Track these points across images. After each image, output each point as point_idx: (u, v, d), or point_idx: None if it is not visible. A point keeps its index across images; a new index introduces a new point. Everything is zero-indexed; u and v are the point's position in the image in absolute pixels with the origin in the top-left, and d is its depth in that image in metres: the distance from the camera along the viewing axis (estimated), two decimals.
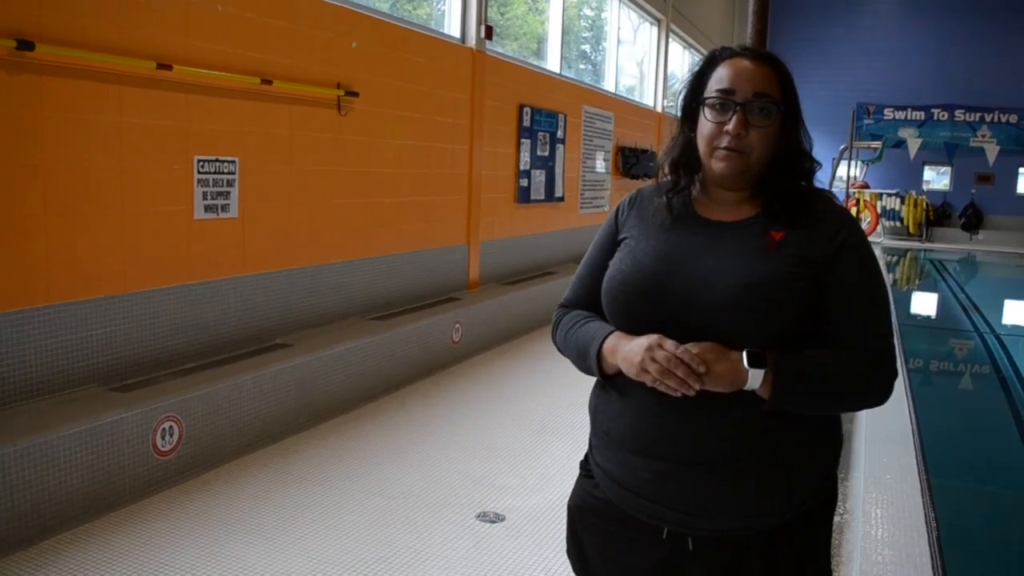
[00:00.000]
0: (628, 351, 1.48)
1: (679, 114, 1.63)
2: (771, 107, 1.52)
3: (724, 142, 1.51)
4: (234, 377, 4.28)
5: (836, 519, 3.62)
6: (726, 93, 1.52)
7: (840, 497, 3.85)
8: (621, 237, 1.66)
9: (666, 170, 1.65)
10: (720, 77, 1.54)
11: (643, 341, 1.45)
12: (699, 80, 1.59)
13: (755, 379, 1.42)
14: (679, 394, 1.42)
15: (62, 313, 3.79)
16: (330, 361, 4.95)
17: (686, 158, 1.61)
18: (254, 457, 4.26)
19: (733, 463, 1.48)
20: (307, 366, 4.77)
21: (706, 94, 1.55)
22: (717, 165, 1.53)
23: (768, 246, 1.51)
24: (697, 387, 1.41)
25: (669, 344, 1.43)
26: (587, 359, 1.60)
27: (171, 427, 3.84)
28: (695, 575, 1.53)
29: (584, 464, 1.72)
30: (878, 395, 1.53)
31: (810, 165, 1.61)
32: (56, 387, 3.78)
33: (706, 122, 1.54)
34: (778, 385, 1.42)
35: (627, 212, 1.69)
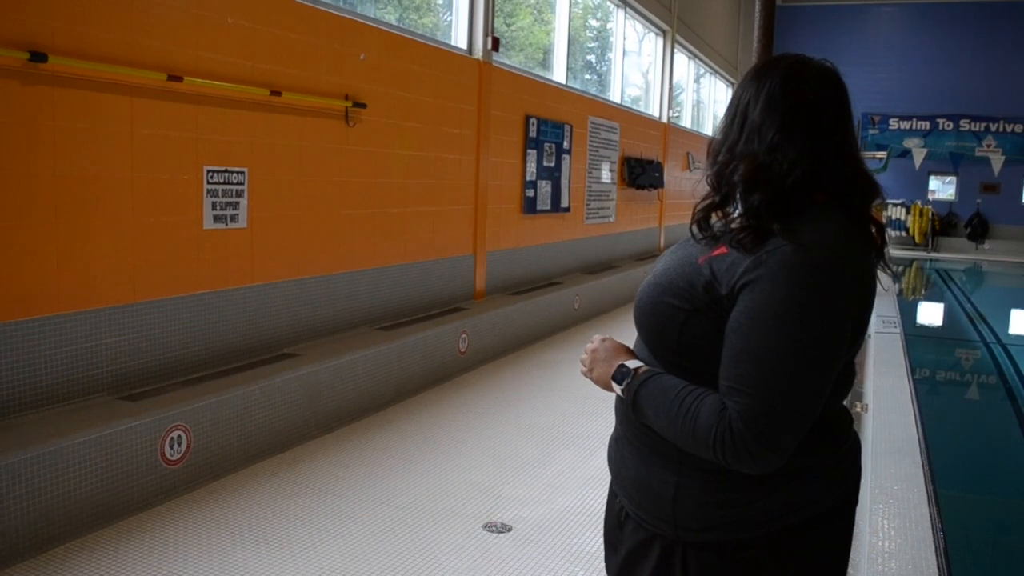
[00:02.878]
0: None
1: None
2: (730, 110, 1.58)
3: None
4: (242, 386, 4.30)
5: None
6: None
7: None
8: None
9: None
10: None
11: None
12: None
13: (617, 390, 1.53)
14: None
15: (72, 322, 3.82)
16: (337, 371, 4.97)
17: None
18: (262, 466, 4.27)
19: (638, 448, 1.56)
20: (315, 376, 4.78)
21: None
22: None
23: (700, 259, 1.45)
24: (584, 375, 1.61)
25: (599, 339, 1.60)
26: None
27: (179, 436, 3.86)
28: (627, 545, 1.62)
29: None
30: (721, 454, 1.33)
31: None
32: (65, 396, 3.81)
33: None
34: (629, 402, 1.49)
35: None
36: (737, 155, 1.48)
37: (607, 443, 1.73)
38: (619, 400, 1.56)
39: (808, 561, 1.49)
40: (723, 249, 1.43)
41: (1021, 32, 21.21)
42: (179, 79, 4.19)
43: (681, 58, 15.73)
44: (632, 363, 1.50)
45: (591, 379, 1.60)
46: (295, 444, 4.58)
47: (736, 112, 1.51)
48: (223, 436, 4.13)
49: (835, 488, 1.51)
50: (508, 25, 9.48)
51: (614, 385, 1.52)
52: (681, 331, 1.43)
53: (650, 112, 13.80)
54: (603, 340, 1.60)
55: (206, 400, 4.05)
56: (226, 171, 4.56)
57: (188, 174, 4.35)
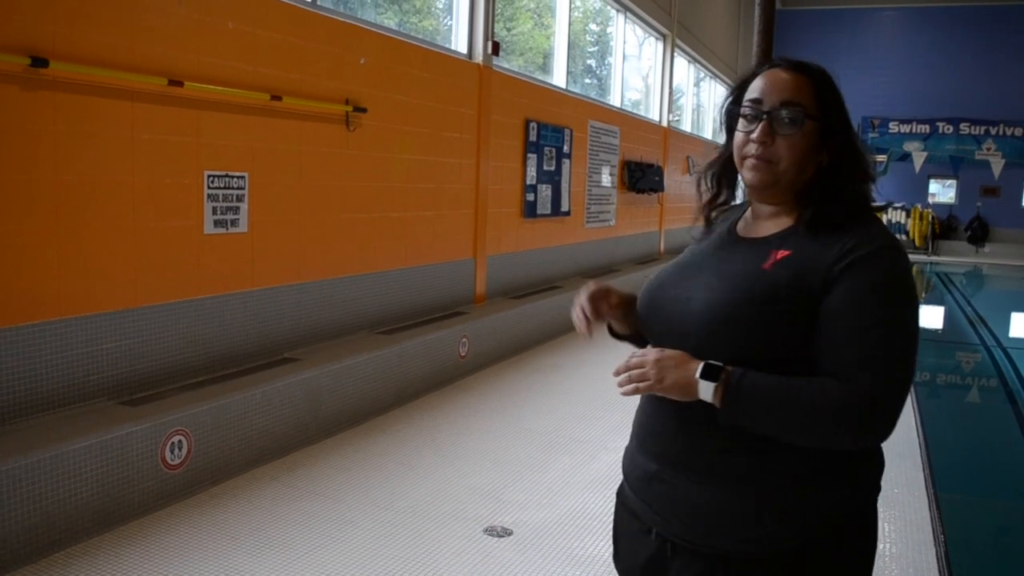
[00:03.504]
0: None
1: (723, 128, 1.66)
2: (799, 116, 1.49)
3: (751, 150, 1.51)
4: (243, 391, 4.30)
5: None
6: (755, 103, 1.52)
7: None
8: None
9: (709, 183, 1.68)
10: (753, 87, 1.54)
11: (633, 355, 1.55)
12: (740, 93, 1.59)
13: (706, 391, 1.40)
14: (630, 392, 1.51)
15: (72, 327, 3.82)
16: (338, 375, 4.97)
17: (726, 170, 1.65)
18: (262, 471, 4.27)
19: (704, 475, 1.47)
20: (315, 380, 4.79)
21: (741, 105, 1.57)
22: (746, 175, 1.55)
23: (764, 265, 1.48)
24: (642, 390, 1.48)
25: (641, 351, 1.52)
26: None
27: (180, 441, 3.86)
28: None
29: (622, 483, 1.77)
30: (850, 434, 1.37)
31: (860, 180, 1.54)
32: (66, 401, 3.81)
33: (737, 132, 1.56)
34: (727, 398, 1.39)
35: (698, 230, 1.76)
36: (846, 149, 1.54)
37: (619, 462, 1.72)
38: (679, 420, 1.49)
39: (866, 548, 1.52)
40: (786, 252, 1.48)
41: (1021, 36, 21.24)
42: (180, 84, 4.19)
43: (681, 62, 15.75)
44: (715, 361, 1.43)
45: (657, 390, 1.45)
46: (296, 448, 4.58)
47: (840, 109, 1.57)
48: (224, 441, 4.13)
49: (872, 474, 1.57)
50: (508, 29, 9.49)
51: (702, 385, 1.40)
52: (786, 331, 1.42)
53: (650, 116, 13.82)
54: (659, 351, 1.47)
55: (207, 405, 4.05)
56: (227, 176, 4.57)
57: (189, 179, 4.36)
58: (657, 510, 1.54)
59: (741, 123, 1.54)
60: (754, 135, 1.51)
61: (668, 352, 1.47)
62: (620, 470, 1.71)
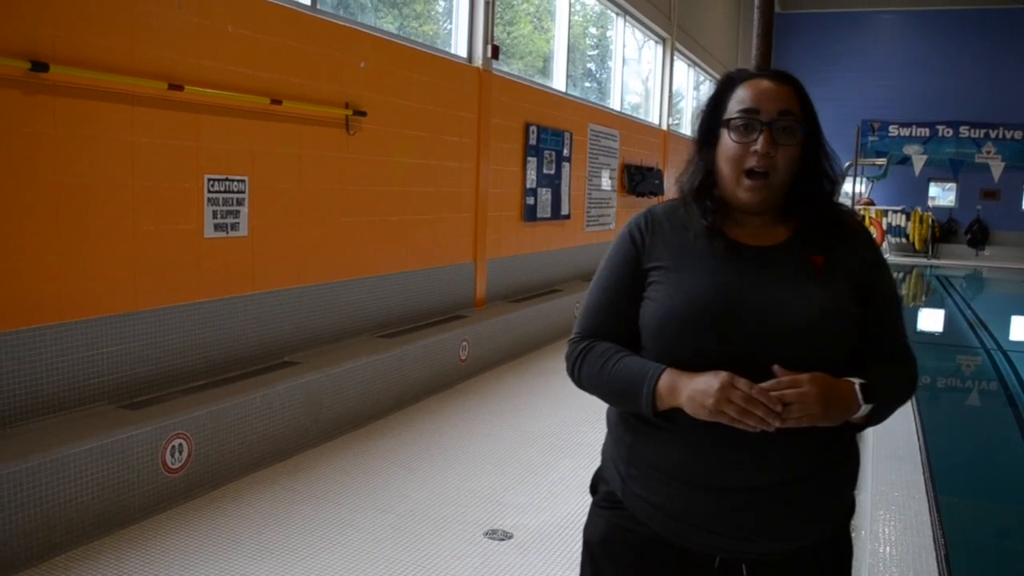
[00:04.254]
0: (695, 391, 1.43)
1: (696, 139, 1.62)
2: (795, 125, 1.51)
3: (752, 162, 1.50)
4: (243, 394, 4.30)
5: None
6: (751, 112, 1.51)
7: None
8: (651, 266, 1.58)
9: (687, 197, 1.61)
10: (742, 98, 1.52)
11: (713, 381, 1.41)
12: (718, 103, 1.57)
13: (863, 411, 1.47)
14: (758, 430, 1.40)
15: (73, 331, 3.82)
16: (338, 378, 4.98)
17: (707, 183, 1.58)
18: (263, 474, 4.27)
19: (792, 484, 1.48)
20: (315, 383, 4.79)
21: (728, 115, 1.54)
22: (744, 194, 1.52)
23: (816, 272, 1.52)
24: (777, 424, 1.39)
25: (742, 383, 1.40)
26: (636, 397, 1.51)
27: (180, 444, 3.86)
28: None
29: (609, 496, 1.64)
30: (915, 392, 1.64)
31: (832, 183, 1.60)
32: (66, 404, 3.81)
33: (731, 144, 1.52)
34: (876, 409, 1.48)
35: (648, 238, 1.60)
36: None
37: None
38: (767, 442, 1.44)
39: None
40: (820, 258, 1.54)
41: (1021, 39, 21.26)
42: (180, 88, 4.20)
43: (681, 66, 15.77)
44: (853, 378, 1.48)
45: (818, 422, 1.41)
46: (296, 452, 4.58)
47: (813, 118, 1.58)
48: (224, 444, 4.13)
49: None
50: (508, 33, 9.51)
51: (863, 408, 1.46)
52: (856, 329, 1.53)
53: (650, 119, 13.83)
54: (807, 380, 1.41)
55: (207, 408, 4.06)
56: (227, 179, 4.58)
57: (189, 182, 4.36)
58: (734, 534, 1.48)
59: (735, 135, 1.51)
60: (757, 146, 1.49)
61: (811, 379, 1.41)
62: None
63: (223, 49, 4.51)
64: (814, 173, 1.56)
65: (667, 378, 1.48)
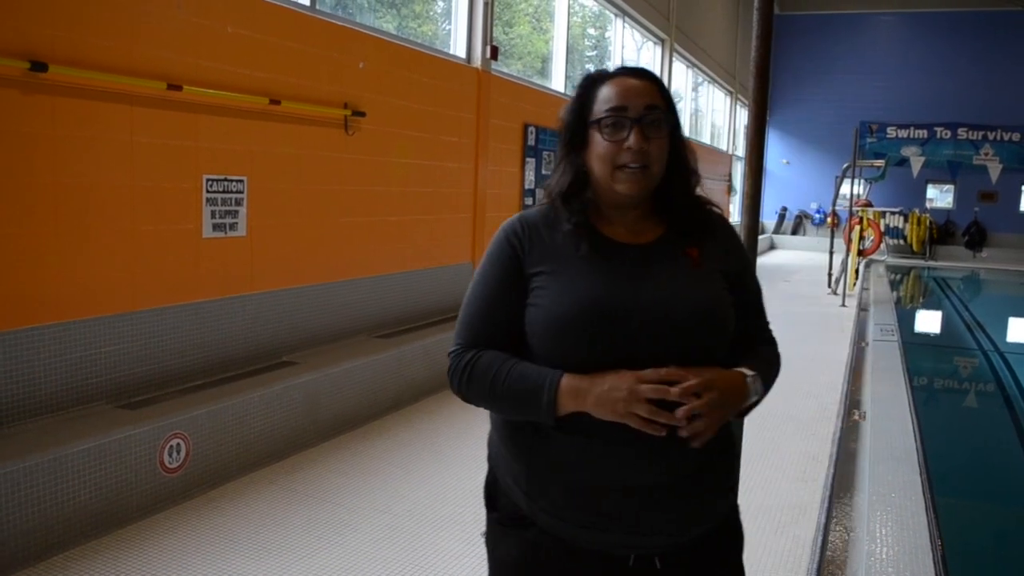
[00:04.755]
0: (602, 394, 1.43)
1: (564, 141, 1.61)
2: (662, 119, 1.55)
3: (626, 159, 1.51)
4: (241, 394, 4.30)
5: (845, 537, 3.63)
6: (619, 110, 1.52)
7: (845, 515, 3.86)
8: (533, 271, 1.55)
9: (557, 200, 1.60)
10: (608, 97, 1.54)
11: (620, 383, 1.42)
12: (582, 105, 1.58)
13: (755, 397, 1.54)
14: (663, 433, 1.41)
15: (71, 331, 3.83)
16: (336, 379, 4.98)
17: (578, 184, 1.59)
18: (260, 474, 4.27)
19: (691, 475, 1.51)
20: (314, 383, 4.79)
21: (595, 116, 1.55)
22: (622, 185, 1.53)
23: (693, 265, 1.57)
24: (683, 424, 1.41)
25: (646, 389, 1.41)
26: (534, 405, 1.48)
27: (178, 444, 3.86)
28: None
29: (514, 512, 1.59)
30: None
31: (696, 177, 1.64)
32: (65, 404, 3.81)
33: (604, 142, 1.53)
34: (761, 392, 1.57)
35: (527, 244, 1.58)
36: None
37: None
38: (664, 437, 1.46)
39: None
40: (695, 250, 1.59)
41: (1019, 41, 21.29)
42: (178, 88, 4.20)
43: (679, 67, 15.78)
44: (741, 369, 1.55)
45: (717, 420, 1.46)
46: (294, 452, 4.58)
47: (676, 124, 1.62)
48: (222, 444, 4.13)
49: None
50: (506, 33, 9.51)
51: (752, 399, 1.55)
52: (734, 320, 1.59)
53: None
54: (699, 379, 1.43)
55: (205, 408, 4.06)
56: (225, 179, 4.58)
57: (187, 183, 4.37)
58: (645, 531, 1.51)
59: (606, 133, 1.53)
60: (630, 142, 1.51)
61: (708, 376, 1.44)
62: None
63: (222, 49, 4.52)
64: (680, 167, 1.60)
65: (568, 382, 1.46)
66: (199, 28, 4.37)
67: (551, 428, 1.49)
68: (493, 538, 1.64)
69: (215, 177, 4.51)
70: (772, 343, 1.71)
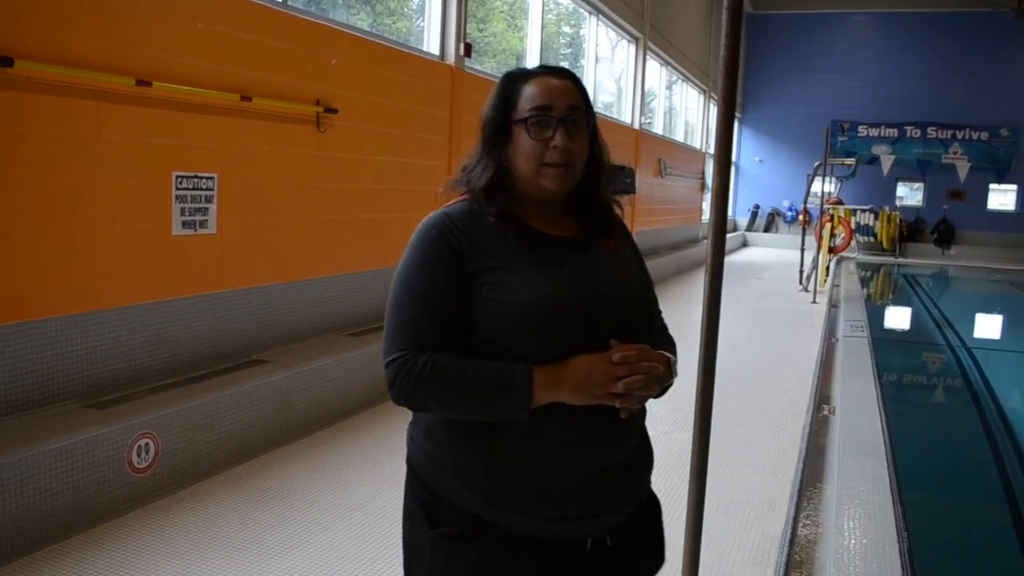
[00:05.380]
0: (581, 380, 1.46)
1: (485, 138, 1.63)
2: (583, 118, 1.60)
3: (553, 157, 1.55)
4: (211, 393, 4.27)
5: (813, 530, 3.67)
6: (544, 110, 1.56)
7: (814, 509, 3.90)
8: (479, 268, 1.53)
9: (479, 195, 1.60)
10: (532, 96, 1.57)
11: (595, 366, 1.47)
12: (505, 102, 1.61)
13: (675, 375, 1.64)
14: (636, 407, 1.53)
15: (38, 329, 3.78)
16: (308, 377, 4.95)
17: (500, 180, 1.60)
18: (231, 473, 4.24)
19: (633, 453, 1.62)
20: (285, 382, 4.76)
21: (520, 115, 1.58)
22: (548, 181, 1.57)
23: (614, 256, 1.67)
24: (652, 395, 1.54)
25: (616, 368, 1.48)
26: (505, 400, 1.47)
27: (147, 444, 3.83)
28: (613, 567, 1.61)
29: (468, 524, 1.55)
30: None
31: (606, 173, 1.71)
32: (32, 404, 3.76)
33: (530, 140, 1.56)
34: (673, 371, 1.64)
35: (464, 241, 1.56)
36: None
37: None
38: (606, 419, 1.52)
39: None
40: (611, 243, 1.69)
41: (988, 43, 21.60)
42: (148, 84, 4.16)
43: (653, 65, 15.84)
44: (663, 351, 1.63)
45: (657, 394, 1.57)
46: (264, 451, 4.55)
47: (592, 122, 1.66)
48: (191, 443, 4.10)
49: None
50: (481, 31, 9.51)
51: (672, 379, 1.64)
52: None
53: (622, 118, 13.89)
54: (648, 352, 1.52)
55: (174, 407, 4.02)
56: (195, 177, 4.54)
57: (157, 179, 4.32)
58: (601, 512, 1.55)
59: (532, 132, 1.56)
60: (556, 141, 1.55)
61: (649, 352, 1.53)
62: None
63: (192, 45, 4.48)
64: (595, 165, 1.66)
65: (542, 373, 1.46)
66: (169, 24, 4.32)
67: (518, 424, 1.49)
68: (444, 556, 1.56)
69: (185, 174, 4.47)
70: (667, 330, 1.79)
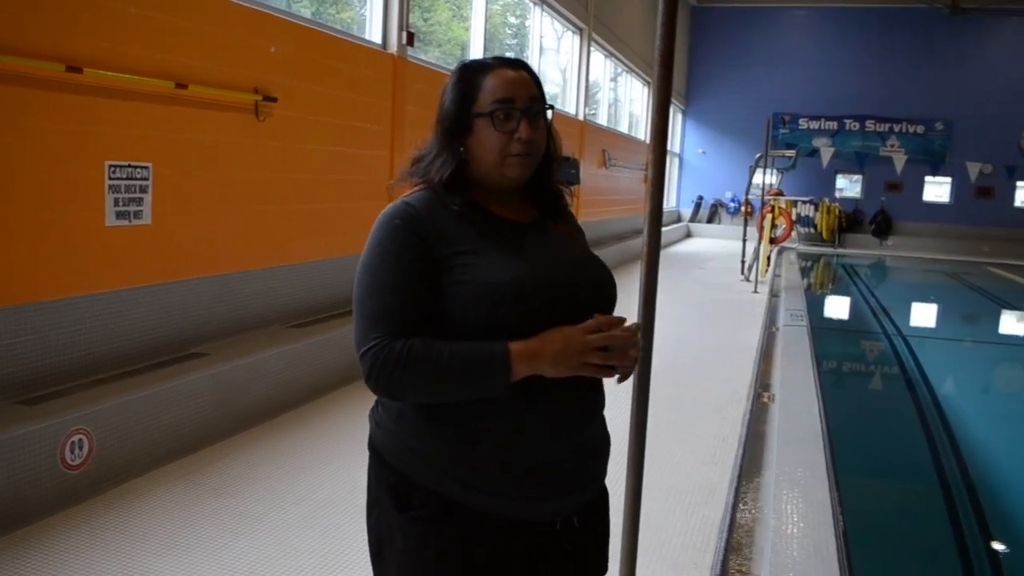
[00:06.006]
0: (559, 352, 1.48)
1: (445, 130, 1.65)
2: (543, 109, 1.65)
3: (517, 148, 1.59)
4: (149, 387, 4.18)
5: (752, 515, 3.73)
6: (507, 102, 1.59)
7: (753, 494, 3.97)
8: (448, 252, 1.55)
9: (438, 186, 1.63)
10: (493, 89, 1.60)
11: (572, 337, 1.49)
12: (464, 95, 1.63)
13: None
14: (614, 375, 1.55)
15: None
16: (249, 369, 4.88)
17: (461, 169, 1.63)
18: (170, 469, 4.16)
19: (598, 427, 1.66)
20: (225, 375, 4.68)
21: (482, 108, 1.60)
22: (512, 171, 1.61)
23: (571, 241, 1.73)
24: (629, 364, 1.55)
25: (594, 337, 1.50)
26: (486, 376, 1.48)
27: (80, 440, 3.73)
28: (576, 548, 1.65)
29: (440, 506, 1.55)
30: None
31: (558, 162, 1.75)
32: None
33: (494, 133, 1.59)
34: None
35: (429, 228, 1.57)
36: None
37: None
38: (577, 396, 1.59)
39: None
40: (567, 229, 1.74)
41: (924, 38, 22.14)
42: (78, 70, 4.05)
43: (598, 56, 15.91)
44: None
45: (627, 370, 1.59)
46: (205, 445, 4.47)
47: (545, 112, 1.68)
48: (129, 439, 4.01)
49: None
50: (425, 20, 9.45)
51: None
52: None
53: (567, 109, 13.92)
54: (620, 324, 1.55)
55: (110, 402, 3.93)
56: (129, 166, 4.43)
57: (88, 169, 4.21)
58: (571, 490, 1.59)
59: (497, 124, 1.59)
60: (521, 133, 1.59)
61: (624, 323, 1.56)
62: None
63: (125, 30, 4.36)
64: (550, 154, 1.71)
65: (519, 347, 1.48)
66: (99, 7, 4.21)
67: (491, 405, 1.50)
68: (416, 540, 1.56)
69: (118, 163, 4.36)
70: None
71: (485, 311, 1.50)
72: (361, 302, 1.57)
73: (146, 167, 4.54)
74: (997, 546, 4.19)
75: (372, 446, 1.67)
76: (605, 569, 1.75)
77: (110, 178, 4.32)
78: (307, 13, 6.63)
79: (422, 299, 1.53)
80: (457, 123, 1.63)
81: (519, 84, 1.61)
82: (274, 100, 5.49)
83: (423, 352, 1.48)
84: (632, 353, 1.53)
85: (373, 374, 1.50)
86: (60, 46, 3.99)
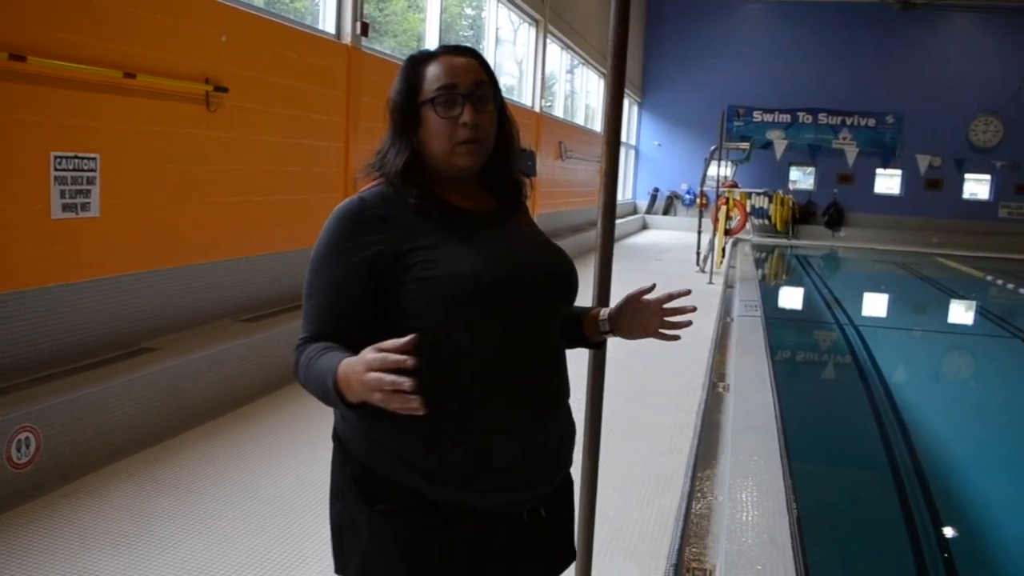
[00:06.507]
0: (354, 383, 1.32)
1: (395, 121, 1.64)
2: (489, 93, 1.61)
3: (463, 134, 1.56)
4: (97, 383, 4.10)
5: (708, 503, 3.76)
6: (449, 88, 1.57)
7: (709, 483, 4.01)
8: (404, 249, 1.52)
9: (394, 178, 1.60)
10: (436, 76, 1.59)
11: (354, 366, 1.31)
12: (410, 86, 1.61)
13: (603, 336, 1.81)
14: (418, 407, 1.25)
15: None
16: (200, 364, 4.80)
17: (415, 163, 1.61)
18: (120, 466, 4.08)
19: (564, 413, 1.66)
20: (176, 370, 4.61)
21: (426, 96, 1.59)
22: (461, 159, 1.58)
23: (533, 230, 1.71)
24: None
25: (374, 358, 1.28)
26: (329, 398, 1.41)
27: (27, 438, 3.64)
28: (543, 536, 1.65)
29: (406, 500, 1.53)
30: None
31: (518, 150, 1.73)
32: None
33: (439, 120, 1.57)
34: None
35: (380, 227, 1.54)
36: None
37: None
38: (545, 386, 1.61)
39: None
40: (525, 218, 1.72)
41: (876, 32, 22.52)
42: (22, 59, 3.94)
43: (554, 48, 15.91)
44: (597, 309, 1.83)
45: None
46: (156, 442, 4.40)
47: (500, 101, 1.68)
48: (77, 436, 3.92)
49: None
50: (380, 10, 9.36)
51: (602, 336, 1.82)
52: None
53: (523, 101, 13.91)
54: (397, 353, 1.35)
55: (57, 399, 3.84)
56: (76, 157, 4.33)
57: (33, 160, 4.10)
58: (539, 481, 1.59)
59: (440, 111, 1.57)
60: (465, 118, 1.56)
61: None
62: None
63: (71, 18, 4.25)
64: (505, 142, 1.68)
65: (343, 371, 1.35)
66: None
67: (455, 399, 1.49)
68: (380, 532, 1.54)
69: (64, 155, 4.26)
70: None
71: (445, 305, 1.49)
72: (303, 298, 1.59)
73: (93, 158, 4.44)
74: (947, 531, 4.28)
75: (336, 437, 1.65)
76: (573, 556, 1.75)
77: (56, 169, 4.21)
78: (259, 2, 6.53)
79: (357, 303, 1.52)
80: (405, 114, 1.62)
81: (463, 70, 1.58)
82: (225, 90, 5.40)
83: (304, 361, 1.49)
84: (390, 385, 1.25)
85: (294, 371, 1.53)
86: (2, 33, 3.88)
